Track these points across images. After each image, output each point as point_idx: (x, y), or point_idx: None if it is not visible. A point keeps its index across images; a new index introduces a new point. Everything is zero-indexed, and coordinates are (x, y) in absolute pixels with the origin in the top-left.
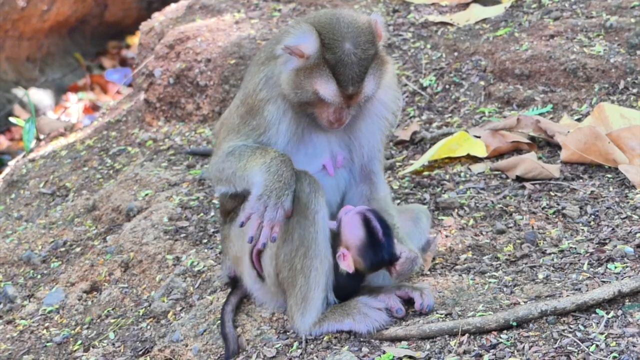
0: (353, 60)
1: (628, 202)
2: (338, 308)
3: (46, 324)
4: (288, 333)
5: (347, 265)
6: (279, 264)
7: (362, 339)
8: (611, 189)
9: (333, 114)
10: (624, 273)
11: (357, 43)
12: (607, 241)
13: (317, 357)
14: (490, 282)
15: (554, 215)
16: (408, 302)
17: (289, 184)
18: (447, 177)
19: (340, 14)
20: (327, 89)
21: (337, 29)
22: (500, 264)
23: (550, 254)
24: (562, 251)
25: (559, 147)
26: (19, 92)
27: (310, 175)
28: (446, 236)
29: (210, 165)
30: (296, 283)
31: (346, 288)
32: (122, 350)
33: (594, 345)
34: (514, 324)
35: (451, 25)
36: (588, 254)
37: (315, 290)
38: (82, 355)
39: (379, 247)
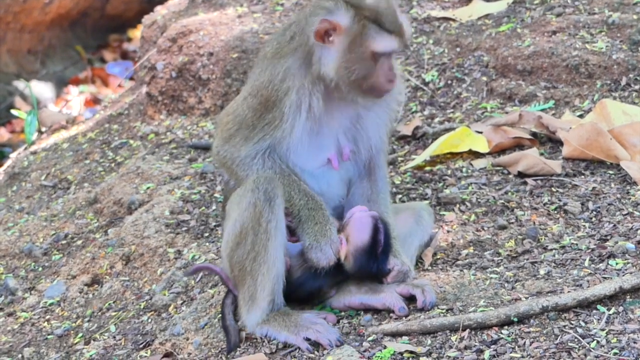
0: (384, 4)
1: (629, 199)
2: (281, 317)
3: (47, 317)
4: None
5: (341, 252)
6: (232, 263)
7: (362, 333)
8: (613, 185)
9: (390, 71)
10: (625, 269)
11: None
12: (608, 237)
13: (317, 351)
14: (491, 278)
15: (555, 211)
16: (410, 299)
17: (325, 222)
18: (449, 172)
19: None
20: (382, 41)
21: None
22: (501, 260)
23: (551, 249)
24: (563, 247)
25: (561, 143)
26: (20, 84)
27: (271, 183)
28: (447, 231)
29: (218, 151)
30: (245, 283)
31: (307, 286)
32: (122, 343)
33: (595, 342)
34: (515, 319)
35: (454, 20)
36: (589, 250)
37: (261, 292)
38: (83, 348)
39: (373, 258)
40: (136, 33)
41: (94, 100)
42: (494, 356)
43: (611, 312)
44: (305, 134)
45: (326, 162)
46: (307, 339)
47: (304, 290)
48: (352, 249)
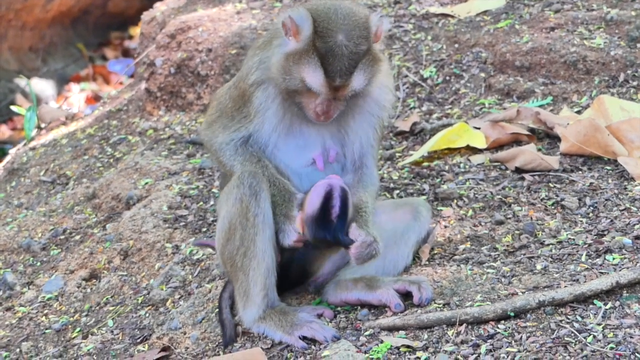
0: (343, 52)
1: (627, 194)
2: (277, 316)
3: (45, 311)
4: None
5: (297, 225)
6: (224, 260)
7: (359, 328)
8: (610, 180)
9: (320, 106)
10: (622, 264)
11: (351, 36)
12: (605, 232)
13: (314, 345)
14: (488, 273)
15: (552, 207)
16: (407, 295)
17: (284, 201)
18: (447, 168)
19: (339, 5)
20: (314, 77)
21: (333, 19)
22: (498, 255)
23: (548, 245)
24: (560, 242)
25: (559, 139)
26: (21, 82)
27: (255, 178)
28: (445, 227)
29: (200, 132)
30: (238, 279)
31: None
32: (120, 338)
33: (592, 336)
34: (512, 314)
35: (452, 17)
36: (586, 245)
37: (254, 287)
38: (81, 343)
39: (327, 225)
40: (137, 31)
41: (95, 98)
42: (490, 351)
43: (608, 307)
44: (280, 128)
45: (311, 162)
46: (303, 337)
47: (292, 269)
48: (305, 216)
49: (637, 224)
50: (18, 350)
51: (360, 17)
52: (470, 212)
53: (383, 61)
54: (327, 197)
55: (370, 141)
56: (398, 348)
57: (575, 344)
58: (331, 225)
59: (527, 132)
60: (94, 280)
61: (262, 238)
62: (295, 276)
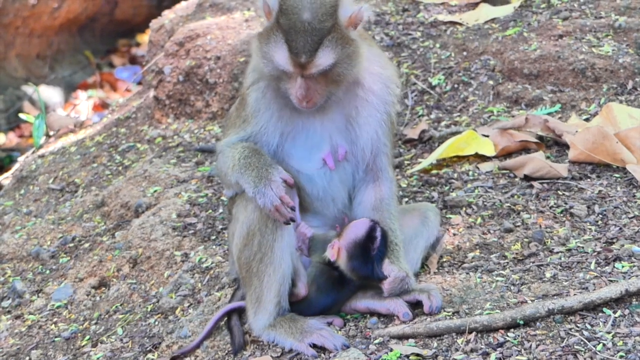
0: (306, 28)
1: (636, 202)
2: (287, 323)
3: (54, 319)
4: None
5: (332, 253)
6: (240, 265)
7: (369, 336)
8: (619, 188)
9: (299, 90)
10: (631, 272)
11: (315, 13)
12: (614, 240)
13: (324, 353)
14: (497, 281)
15: (561, 214)
16: (416, 304)
17: (261, 165)
18: (456, 175)
19: None
20: (279, 55)
21: None
22: (507, 263)
23: (557, 252)
24: (569, 250)
25: (567, 147)
26: (29, 89)
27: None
28: (454, 234)
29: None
30: (252, 284)
31: (317, 304)
32: (130, 346)
33: (601, 344)
34: (521, 322)
35: (460, 24)
36: (595, 253)
37: (267, 294)
38: (90, 351)
39: (368, 259)
40: (145, 38)
41: (102, 105)
42: (500, 359)
43: (617, 315)
44: (283, 128)
45: (322, 163)
46: (313, 345)
47: (314, 308)
48: (346, 246)
49: None
50: (28, 358)
51: None
52: (479, 220)
53: (361, 46)
54: (371, 230)
55: (381, 138)
56: (407, 356)
57: (584, 352)
58: (370, 259)
59: (536, 140)
60: (103, 289)
61: (281, 245)
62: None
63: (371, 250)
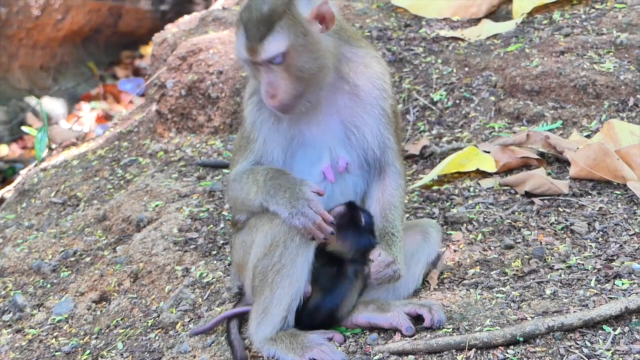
0: (257, 16)
1: (636, 219)
2: (288, 338)
3: (55, 334)
4: None
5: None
6: (255, 272)
7: (368, 352)
8: (619, 205)
9: (264, 85)
10: (632, 290)
11: (269, 2)
12: (614, 257)
13: None
14: (497, 297)
15: (562, 231)
16: (417, 319)
17: (291, 184)
18: (457, 191)
19: None
20: (239, 44)
21: None
22: (508, 279)
23: (558, 269)
24: (569, 267)
25: (568, 163)
26: (32, 100)
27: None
28: (454, 251)
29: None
30: (263, 294)
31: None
32: None
33: None
34: (521, 339)
35: (462, 40)
36: (596, 270)
37: (277, 306)
38: None
39: (358, 229)
40: (148, 50)
41: (106, 117)
42: None
43: (617, 332)
44: (285, 143)
45: (322, 176)
46: None
47: (320, 313)
48: (338, 235)
49: None
50: None
51: None
52: (480, 236)
53: (329, 42)
54: (349, 208)
55: (384, 133)
56: None
57: None
58: (360, 231)
59: (537, 156)
60: (104, 303)
61: (302, 261)
62: (320, 321)
63: (358, 219)
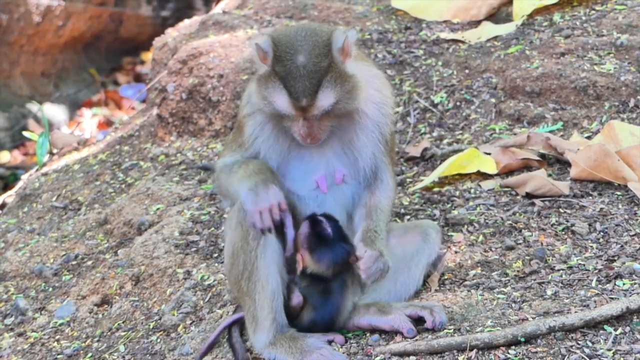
0: (302, 73)
1: (637, 220)
2: (287, 342)
3: (57, 337)
4: None
5: (299, 263)
6: (232, 284)
7: (370, 354)
8: (620, 206)
9: (302, 128)
10: (632, 290)
11: (309, 56)
12: (615, 258)
13: None
14: (498, 298)
15: (563, 232)
16: (418, 320)
17: (271, 177)
18: (457, 193)
19: (302, 27)
20: (279, 100)
21: (293, 41)
22: (509, 280)
23: (559, 270)
24: (570, 268)
25: (569, 165)
26: (33, 107)
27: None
28: (455, 252)
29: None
30: (246, 303)
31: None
32: None
33: None
34: (522, 339)
35: (462, 42)
36: (597, 271)
37: (261, 311)
38: None
39: (327, 242)
40: (149, 56)
41: (107, 123)
42: None
43: (618, 332)
44: (275, 154)
45: (315, 185)
46: None
47: (317, 329)
48: (302, 248)
49: None
50: None
51: (322, 35)
52: (481, 238)
53: (357, 76)
54: (312, 223)
55: (378, 156)
56: None
57: None
58: (331, 244)
59: (538, 158)
60: (106, 306)
61: (264, 262)
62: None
63: (325, 234)
